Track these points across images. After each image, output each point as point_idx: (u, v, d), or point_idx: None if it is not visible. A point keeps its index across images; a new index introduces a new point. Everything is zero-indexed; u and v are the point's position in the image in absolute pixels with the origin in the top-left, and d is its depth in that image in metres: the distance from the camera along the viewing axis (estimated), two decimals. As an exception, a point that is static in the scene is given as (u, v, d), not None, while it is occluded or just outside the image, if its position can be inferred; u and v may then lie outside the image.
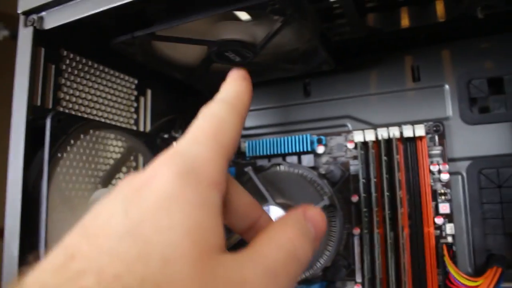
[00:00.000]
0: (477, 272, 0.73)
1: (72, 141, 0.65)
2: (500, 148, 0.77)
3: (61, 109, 0.68)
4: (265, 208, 0.74)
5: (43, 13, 0.62)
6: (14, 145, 0.60)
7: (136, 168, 0.79)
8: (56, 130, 0.61)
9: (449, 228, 0.74)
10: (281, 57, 0.79)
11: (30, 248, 0.58)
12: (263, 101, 0.96)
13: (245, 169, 0.77)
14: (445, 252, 0.71)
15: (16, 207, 0.57)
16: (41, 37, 0.62)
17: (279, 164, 0.79)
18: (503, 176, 0.75)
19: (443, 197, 0.75)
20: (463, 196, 0.77)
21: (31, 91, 0.62)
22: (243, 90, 0.41)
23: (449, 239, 0.73)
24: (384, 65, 0.88)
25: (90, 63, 0.74)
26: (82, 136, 0.67)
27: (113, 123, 0.78)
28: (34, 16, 0.61)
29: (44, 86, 0.65)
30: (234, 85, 0.42)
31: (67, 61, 0.69)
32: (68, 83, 0.69)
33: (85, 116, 0.72)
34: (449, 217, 0.74)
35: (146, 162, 0.81)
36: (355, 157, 0.81)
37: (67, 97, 0.69)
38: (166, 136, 0.85)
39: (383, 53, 0.88)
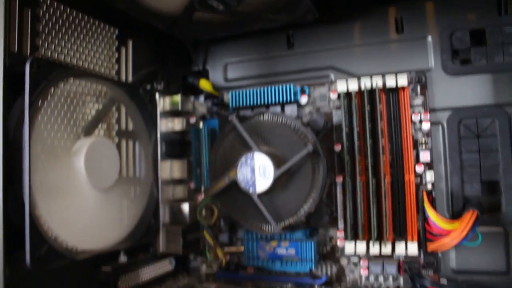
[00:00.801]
0: (454, 217, 0.76)
1: (52, 90, 0.64)
2: (480, 98, 0.78)
3: (40, 56, 0.66)
4: (249, 155, 0.75)
5: (16, -47, 0.59)
6: (-8, 92, 0.58)
7: (118, 119, 0.79)
8: (35, 76, 0.59)
9: (429, 176, 0.75)
10: (265, 6, 0.78)
11: (14, 195, 0.58)
12: (246, 53, 0.96)
13: (229, 117, 0.77)
14: (425, 197, 0.73)
15: (-3, 153, 0.56)
16: (15, -21, 0.60)
17: (262, 113, 0.79)
18: (482, 126, 0.77)
19: (423, 146, 0.76)
20: (443, 145, 0.79)
21: (7, 37, 0.59)
22: None
23: (429, 186, 0.75)
24: (368, 16, 0.87)
25: (68, 10, 0.71)
26: (62, 85, 0.66)
27: (94, 73, 0.76)
28: (7, -43, 0.58)
29: (20, 32, 0.62)
30: None
31: (45, 7, 0.67)
32: (46, 30, 0.67)
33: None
34: (429, 165, 0.76)
35: (128, 113, 0.80)
36: (338, 108, 0.81)
37: (46, 45, 0.67)
38: (148, 87, 0.84)
39: (367, 4, 0.87)
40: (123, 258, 0.80)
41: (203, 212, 0.78)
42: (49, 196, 0.62)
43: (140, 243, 0.80)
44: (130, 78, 0.84)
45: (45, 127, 0.63)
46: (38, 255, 0.57)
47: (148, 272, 0.82)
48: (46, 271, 0.61)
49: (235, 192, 0.79)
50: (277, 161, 0.75)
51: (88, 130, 0.71)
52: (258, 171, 0.75)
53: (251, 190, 0.76)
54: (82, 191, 0.68)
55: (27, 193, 0.56)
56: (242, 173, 0.76)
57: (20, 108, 0.59)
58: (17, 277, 0.57)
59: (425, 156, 0.76)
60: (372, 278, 0.80)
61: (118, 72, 0.81)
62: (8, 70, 0.59)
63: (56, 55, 0.69)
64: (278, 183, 0.76)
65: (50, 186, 0.62)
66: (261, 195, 0.76)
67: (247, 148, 0.77)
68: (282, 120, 0.78)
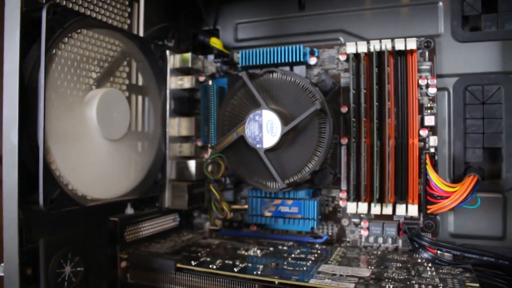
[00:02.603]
0: (455, 182, 0.77)
1: (66, 39, 0.65)
2: (487, 66, 0.79)
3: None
4: (257, 111, 0.76)
5: None
6: (9, 36, 0.59)
7: (129, 74, 0.79)
8: (51, 22, 0.60)
9: (433, 140, 0.77)
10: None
11: (28, 140, 0.59)
12: (257, 13, 0.96)
13: (239, 74, 0.78)
14: (428, 160, 0.74)
15: (13, 97, 0.57)
16: None
17: (272, 71, 0.80)
18: (488, 93, 0.78)
19: (429, 111, 0.77)
20: (447, 111, 0.80)
21: (23, -17, 0.60)
22: None
23: (432, 151, 0.76)
24: (380, -21, 0.87)
25: (82, -40, 0.71)
26: (76, 35, 0.67)
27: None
28: None
29: (36, -22, 0.63)
30: None
31: (59, -46, 0.67)
32: (61, -21, 0.67)
33: (78, 15, 0.71)
34: (433, 130, 0.77)
35: (139, 68, 0.81)
36: (346, 70, 0.82)
37: (61, -6, 0.68)
38: (160, 43, 0.85)
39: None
40: (130, 210, 0.82)
41: (210, 167, 0.79)
42: (61, 143, 0.63)
43: (146, 196, 0.82)
44: (141, 34, 0.84)
45: (59, 76, 0.64)
46: (51, 198, 0.59)
47: (153, 226, 0.84)
48: (58, 215, 0.63)
49: (242, 149, 0.81)
50: (285, 119, 0.76)
51: (100, 82, 0.72)
52: (265, 128, 0.76)
53: (258, 146, 0.77)
54: (93, 140, 0.70)
55: (41, 136, 0.58)
56: (250, 129, 0.78)
57: (35, 55, 0.60)
58: (30, 220, 0.59)
59: (429, 120, 0.77)
60: (372, 239, 0.82)
61: (130, 27, 0.82)
62: (24, 15, 0.59)
63: (70, 5, 0.69)
64: (285, 140, 0.78)
65: (63, 134, 0.64)
66: (268, 152, 0.78)
67: (256, 105, 0.78)
68: (291, 79, 0.78)
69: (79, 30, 0.67)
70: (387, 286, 0.58)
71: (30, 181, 0.58)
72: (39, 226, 0.62)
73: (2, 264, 0.59)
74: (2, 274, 0.58)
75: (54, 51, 0.62)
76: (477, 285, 0.59)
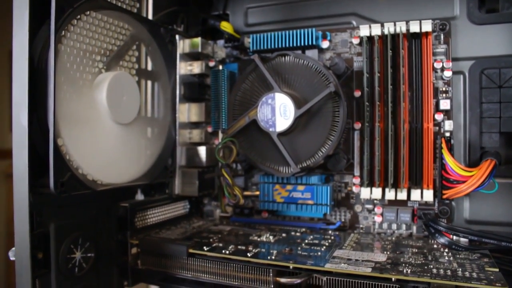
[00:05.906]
0: (471, 167, 0.76)
1: (75, 21, 0.64)
2: (505, 48, 0.77)
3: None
4: (270, 95, 0.75)
5: None
6: (18, 16, 0.58)
7: (139, 58, 0.78)
8: (61, 2, 0.59)
9: (448, 125, 0.75)
10: None
11: (38, 123, 0.58)
12: (268, -3, 0.94)
13: (251, 56, 0.77)
14: (444, 144, 0.73)
15: (23, 79, 0.56)
16: None
17: (284, 55, 0.78)
18: (505, 76, 0.76)
19: (444, 95, 0.76)
20: (463, 95, 0.78)
21: (33, -38, 0.59)
22: None
23: (447, 135, 0.75)
24: (394, -39, 0.85)
25: None
26: (85, 17, 0.66)
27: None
28: None
29: (45, -42, 0.61)
30: None
31: None
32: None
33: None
34: (448, 114, 0.76)
35: (149, 53, 0.80)
36: (359, 54, 0.81)
37: (69, -25, 0.66)
38: (170, 27, 0.84)
39: None
40: (140, 196, 0.81)
41: (221, 151, 0.78)
42: (71, 126, 0.63)
43: (156, 182, 0.81)
44: (150, 18, 0.83)
45: (68, 58, 0.63)
46: (61, 181, 0.58)
47: (163, 213, 0.83)
48: (68, 199, 0.62)
49: (254, 134, 0.80)
50: (298, 103, 0.75)
51: (110, 66, 0.71)
52: (278, 111, 0.75)
53: (271, 130, 0.76)
54: (103, 124, 0.69)
55: (51, 118, 0.57)
56: (263, 113, 0.76)
57: (44, 36, 0.59)
58: (40, 204, 0.59)
59: (445, 104, 0.75)
60: (385, 225, 0.80)
61: (139, 11, 0.81)
62: (34, -6, 0.58)
63: (79, -14, 0.68)
64: (298, 124, 0.76)
65: (73, 117, 0.63)
66: (280, 136, 0.76)
67: (268, 89, 0.77)
68: (304, 62, 0.77)
69: (88, 12, 0.66)
70: (404, 270, 0.57)
71: (40, 165, 0.57)
72: (49, 210, 0.61)
73: (13, 249, 0.58)
74: (13, 259, 0.58)
75: (63, 33, 0.62)
76: (497, 269, 0.58)
